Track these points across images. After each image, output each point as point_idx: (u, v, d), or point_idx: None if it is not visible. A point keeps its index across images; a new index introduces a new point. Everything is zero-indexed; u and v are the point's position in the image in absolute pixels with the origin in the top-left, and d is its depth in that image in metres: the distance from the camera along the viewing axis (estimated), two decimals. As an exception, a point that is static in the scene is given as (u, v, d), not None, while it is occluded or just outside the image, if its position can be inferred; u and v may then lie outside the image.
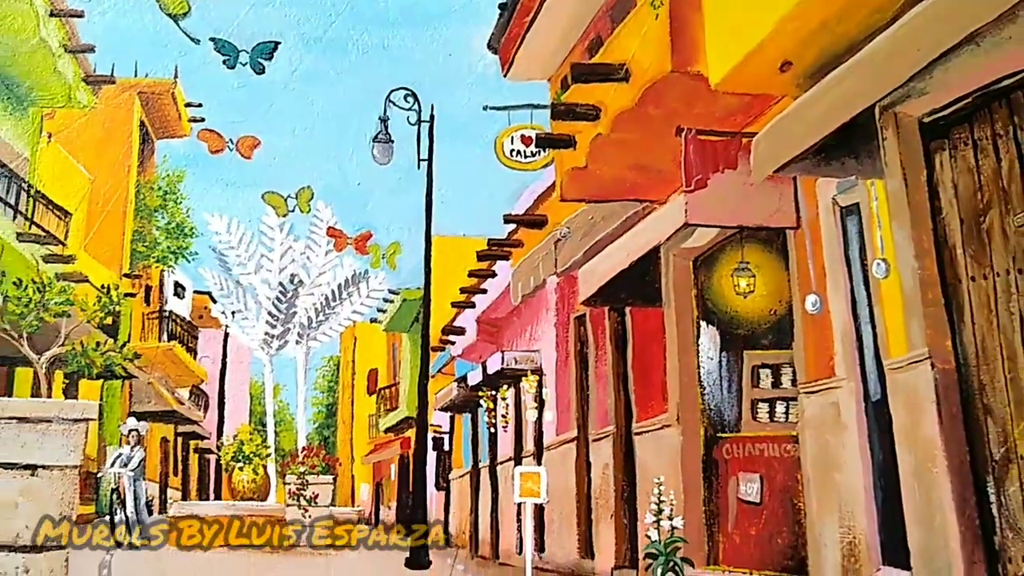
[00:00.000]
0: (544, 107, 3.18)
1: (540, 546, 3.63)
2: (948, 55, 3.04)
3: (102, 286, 3.64)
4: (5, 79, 3.53)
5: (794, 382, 3.34)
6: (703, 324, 3.44)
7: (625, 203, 3.48)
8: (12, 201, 3.75)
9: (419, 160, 3.56)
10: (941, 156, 3.31)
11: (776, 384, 3.49)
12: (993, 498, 3.11)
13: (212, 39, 3.39)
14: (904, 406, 3.25)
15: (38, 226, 4.02)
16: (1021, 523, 3.07)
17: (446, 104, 3.49)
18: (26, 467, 2.86)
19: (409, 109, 3.57)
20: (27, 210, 3.84)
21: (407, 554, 3.92)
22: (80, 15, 3.90)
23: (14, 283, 3.29)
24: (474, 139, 3.37)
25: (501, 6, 3.10)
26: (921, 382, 3.25)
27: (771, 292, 3.31)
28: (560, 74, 3.26)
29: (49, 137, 4.00)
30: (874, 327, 3.40)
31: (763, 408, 3.47)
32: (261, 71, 3.38)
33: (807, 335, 3.33)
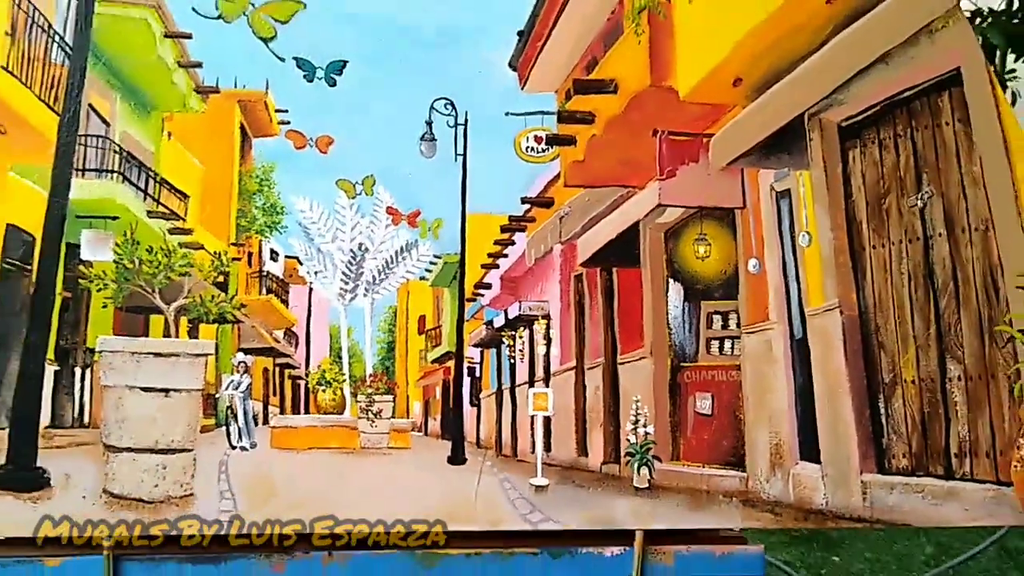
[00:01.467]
0: (552, 113, 3.10)
1: (548, 447, 3.54)
2: (861, 73, 3.15)
3: (214, 252, 3.56)
4: (132, 89, 3.48)
5: (738, 325, 3.27)
6: (671, 281, 3.36)
7: (613, 188, 3.40)
8: (143, 186, 3.69)
9: (456, 154, 3.44)
10: (853, 152, 3.32)
11: (725, 326, 3.40)
12: (882, 411, 3.18)
13: (295, 58, 3.30)
14: (819, 343, 3.27)
15: (163, 206, 3.92)
16: (901, 429, 3.17)
17: (477, 110, 3.39)
18: (161, 390, 2.87)
19: (448, 114, 3.44)
20: (155, 193, 3.77)
21: (448, 453, 3.81)
22: (189, 36, 3.75)
23: (147, 250, 3.21)
24: (498, 138, 3.25)
25: (519, 33, 3.04)
26: (832, 325, 3.26)
27: (723, 257, 3.24)
28: (564, 87, 3.19)
29: (169, 135, 3.89)
30: (799, 283, 3.34)
31: (715, 344, 3.39)
32: (333, 84, 3.25)
33: (748, 289, 3.27)
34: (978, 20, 8.97)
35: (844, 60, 3.13)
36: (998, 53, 8.91)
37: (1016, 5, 8.90)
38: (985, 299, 3.02)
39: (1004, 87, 8.85)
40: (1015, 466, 2.91)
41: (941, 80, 3.06)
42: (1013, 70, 9.05)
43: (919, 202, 3.12)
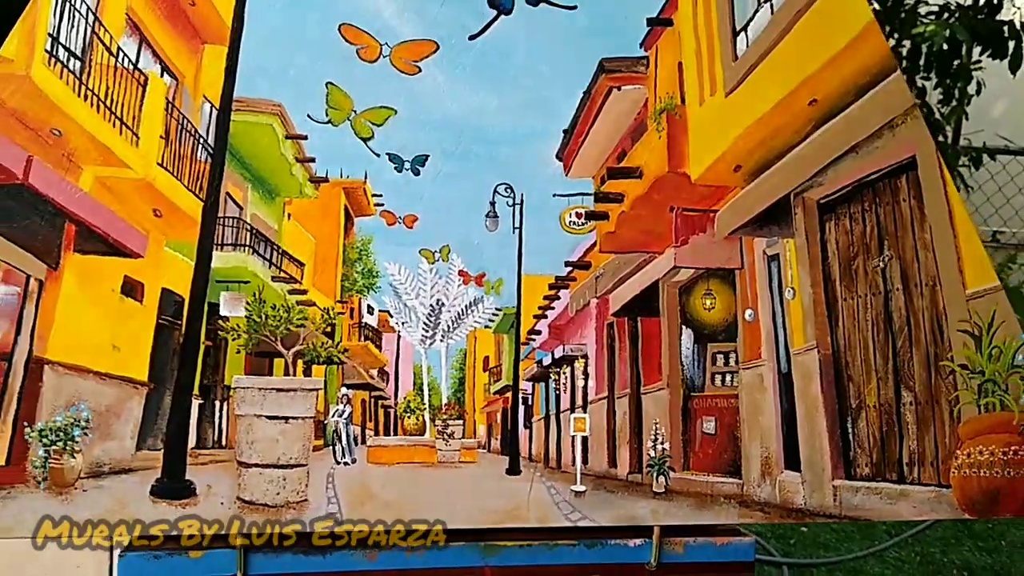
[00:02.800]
0: (590, 194, 3.01)
1: (585, 460, 3.43)
2: (836, 161, 3.14)
3: (324, 309, 3.43)
4: (260, 180, 3.37)
5: (737, 362, 3.19)
6: (683, 328, 3.26)
7: (639, 254, 3.30)
8: (268, 257, 3.59)
9: (513, 228, 3.34)
10: (829, 223, 3.28)
11: (726, 363, 3.30)
12: (850, 430, 3.14)
13: (388, 153, 3.22)
14: (800, 376, 3.20)
15: (284, 272, 3.79)
16: (864, 444, 3.12)
17: (531, 193, 3.31)
18: (282, 418, 2.81)
19: (508, 197, 3.34)
20: (277, 262, 3.65)
21: (507, 466, 3.68)
22: (304, 137, 3.69)
23: (271, 307, 3.11)
24: (548, 215, 3.19)
25: (564, 131, 2.97)
26: (811, 362, 3.22)
27: (725, 308, 3.13)
28: (600, 173, 3.08)
29: (289, 216, 3.75)
30: (785, 329, 3.22)
31: (718, 378, 3.28)
32: (417, 173, 3.16)
33: (745, 334, 3.18)
34: (946, 15, 8.63)
35: (822, 150, 3.10)
36: (964, 47, 8.59)
37: (982, 1, 8.60)
38: (932, 340, 2.98)
39: (969, 79, 8.52)
40: (953, 472, 2.90)
41: (900, 165, 3.05)
42: (979, 61, 8.71)
43: (881, 263, 3.09)
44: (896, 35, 8.77)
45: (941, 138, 8.81)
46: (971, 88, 8.66)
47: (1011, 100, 9.96)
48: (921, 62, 8.60)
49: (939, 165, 3.01)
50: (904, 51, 8.77)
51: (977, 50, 8.95)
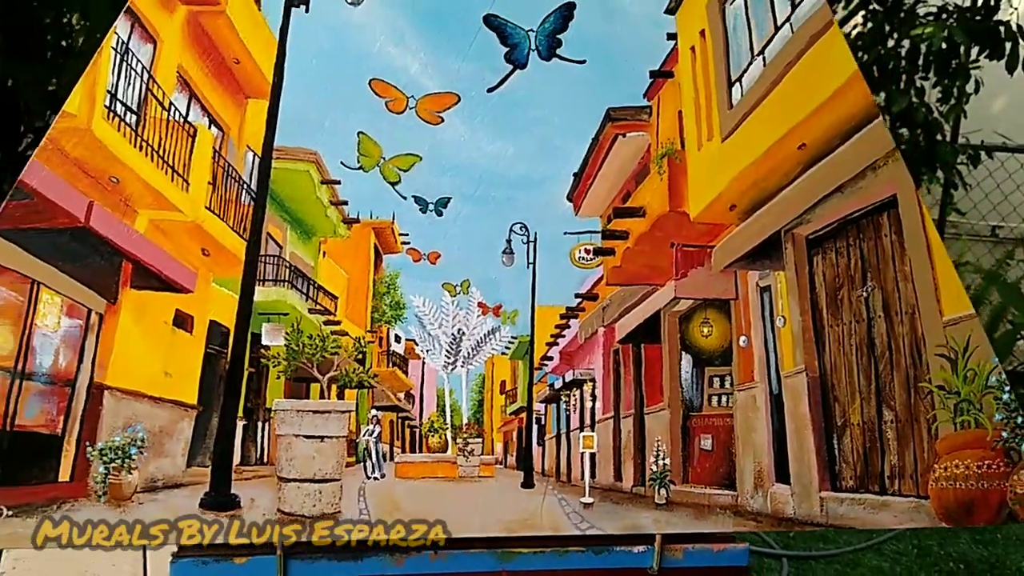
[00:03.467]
0: (597, 232, 3.07)
1: (593, 475, 3.45)
2: (823, 200, 3.20)
3: (356, 338, 3.46)
4: (298, 221, 3.40)
5: (732, 384, 3.26)
6: (683, 353, 3.31)
7: (642, 286, 3.35)
8: (305, 291, 3.62)
9: (528, 263, 3.37)
10: (817, 257, 3.37)
11: (722, 385, 3.34)
12: (836, 446, 3.22)
13: (413, 196, 3.25)
14: (790, 397, 3.29)
15: (320, 305, 3.81)
16: (849, 458, 3.19)
17: (544, 231, 3.34)
18: (318, 437, 2.84)
19: (522, 235, 3.37)
20: (314, 296, 3.68)
21: (521, 480, 3.71)
22: (338, 182, 3.73)
23: (308, 337, 3.15)
24: (559, 251, 3.23)
25: (574, 175, 3.02)
26: (800, 384, 3.31)
27: (721, 335, 3.19)
28: (607, 213, 3.14)
29: (324, 254, 3.78)
30: (776, 353, 3.27)
31: (715, 399, 3.33)
32: (440, 214, 3.20)
33: (739, 359, 3.23)
34: (943, 16, 8.51)
35: (810, 191, 3.16)
36: (962, 47, 8.48)
37: (980, 2, 8.51)
38: (912, 364, 3.03)
39: (968, 78, 8.40)
40: (931, 484, 2.95)
41: (882, 204, 3.11)
42: (976, 61, 8.62)
43: (864, 293, 3.16)
44: (895, 35, 8.37)
45: (940, 136, 8.72)
46: (969, 87, 8.54)
47: (1009, 98, 9.73)
48: (920, 62, 8.37)
49: (918, 203, 3.03)
50: (903, 51, 8.47)
51: (975, 50, 8.92)
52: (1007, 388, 2.96)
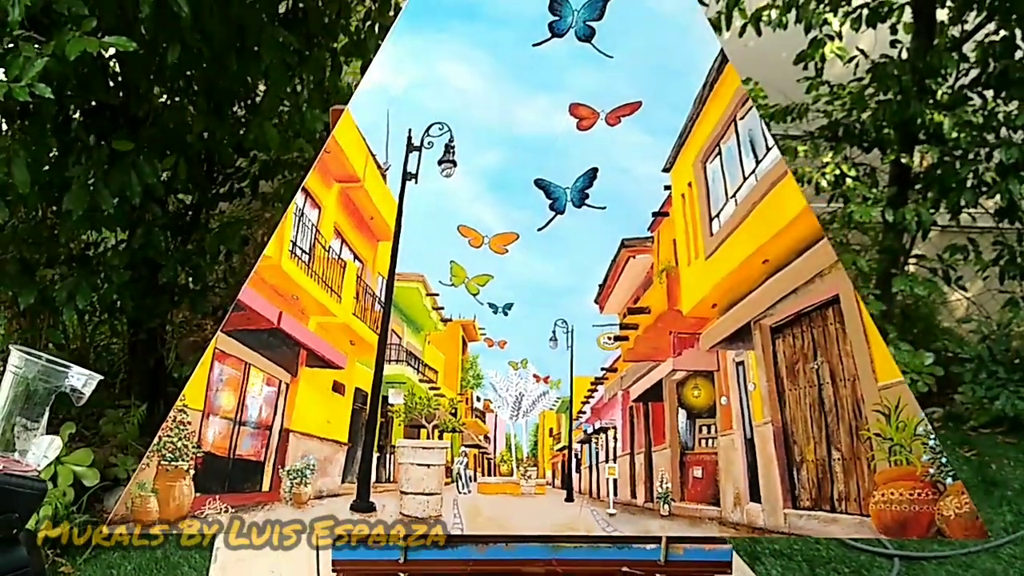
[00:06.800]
0: (616, 325, 3.46)
1: (615, 494, 3.80)
2: (782, 299, 3.68)
3: (450, 399, 3.96)
4: (411, 321, 3.92)
5: (716, 431, 3.40)
6: (680, 409, 3.53)
7: (649, 362, 3.60)
8: (417, 367, 4.20)
9: (567, 347, 3.83)
10: (778, 340, 3.79)
11: (709, 432, 3.54)
12: (795, 477, 3.70)
13: (488, 303, 3.73)
14: (760, 441, 3.77)
15: (426, 376, 4.39)
16: (806, 486, 3.69)
17: (578, 324, 3.77)
18: (426, 465, 3.65)
19: (563, 327, 3.88)
20: (422, 371, 4.24)
21: (564, 496, 4.10)
22: (437, 295, 4.30)
23: (418, 398, 3.70)
24: (589, 338, 3.65)
25: (599, 286, 3.47)
26: (768, 431, 3.76)
27: (707, 396, 3.37)
28: (623, 311, 3.46)
29: (428, 342, 4.34)
30: (749, 409, 3.89)
31: (703, 442, 3.53)
32: (507, 314, 3.62)
33: (721, 413, 3.27)
34: None
35: (772, 293, 3.67)
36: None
37: None
38: (854, 417, 3.61)
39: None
40: (872, 506, 3.58)
41: (828, 301, 3.65)
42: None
43: (815, 366, 3.71)
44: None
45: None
46: None
47: None
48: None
49: (855, 299, 3.62)
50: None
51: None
52: (932, 436, 3.47)
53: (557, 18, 3.43)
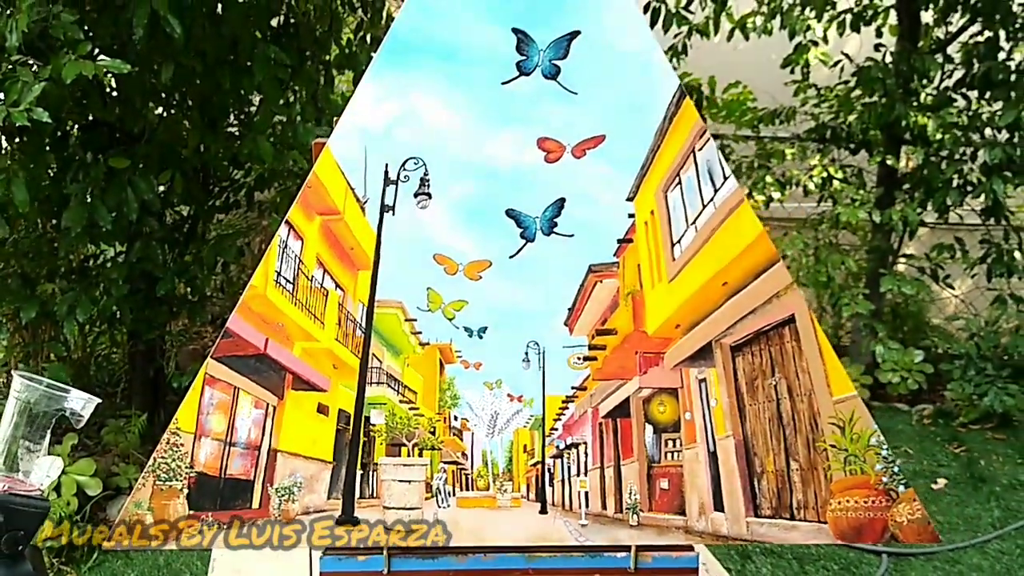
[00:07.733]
0: (585, 346, 3.49)
1: (586, 505, 3.84)
2: (742, 320, 3.81)
3: (429, 418, 4.05)
4: (391, 345, 3.99)
5: (681, 445, 3.54)
6: (646, 424, 3.56)
7: (617, 380, 3.65)
8: (397, 389, 4.28)
9: (539, 367, 3.93)
10: (738, 358, 3.89)
11: (674, 445, 3.61)
12: (756, 487, 3.80)
13: (464, 327, 3.77)
14: (722, 453, 3.89)
15: (406, 397, 4.45)
16: (767, 495, 3.79)
17: (549, 345, 3.85)
18: (407, 481, 3.77)
19: (535, 348, 3.97)
20: (402, 392, 4.32)
21: (539, 508, 4.16)
22: (415, 320, 4.31)
23: (399, 418, 3.74)
24: (560, 359, 3.74)
25: (569, 309, 3.54)
26: (730, 444, 3.88)
27: (672, 411, 3.40)
28: (591, 332, 3.49)
29: (407, 364, 4.44)
30: (711, 423, 4.01)
31: (669, 455, 3.57)
32: (481, 337, 3.64)
33: (685, 427, 3.23)
34: None
35: (731, 314, 3.80)
36: None
37: None
38: (811, 430, 3.75)
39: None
40: (828, 513, 3.72)
41: (784, 320, 3.78)
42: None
43: (773, 382, 3.84)
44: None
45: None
46: None
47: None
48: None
49: (810, 319, 3.78)
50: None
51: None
52: (884, 447, 3.59)
53: (524, 57, 3.57)
